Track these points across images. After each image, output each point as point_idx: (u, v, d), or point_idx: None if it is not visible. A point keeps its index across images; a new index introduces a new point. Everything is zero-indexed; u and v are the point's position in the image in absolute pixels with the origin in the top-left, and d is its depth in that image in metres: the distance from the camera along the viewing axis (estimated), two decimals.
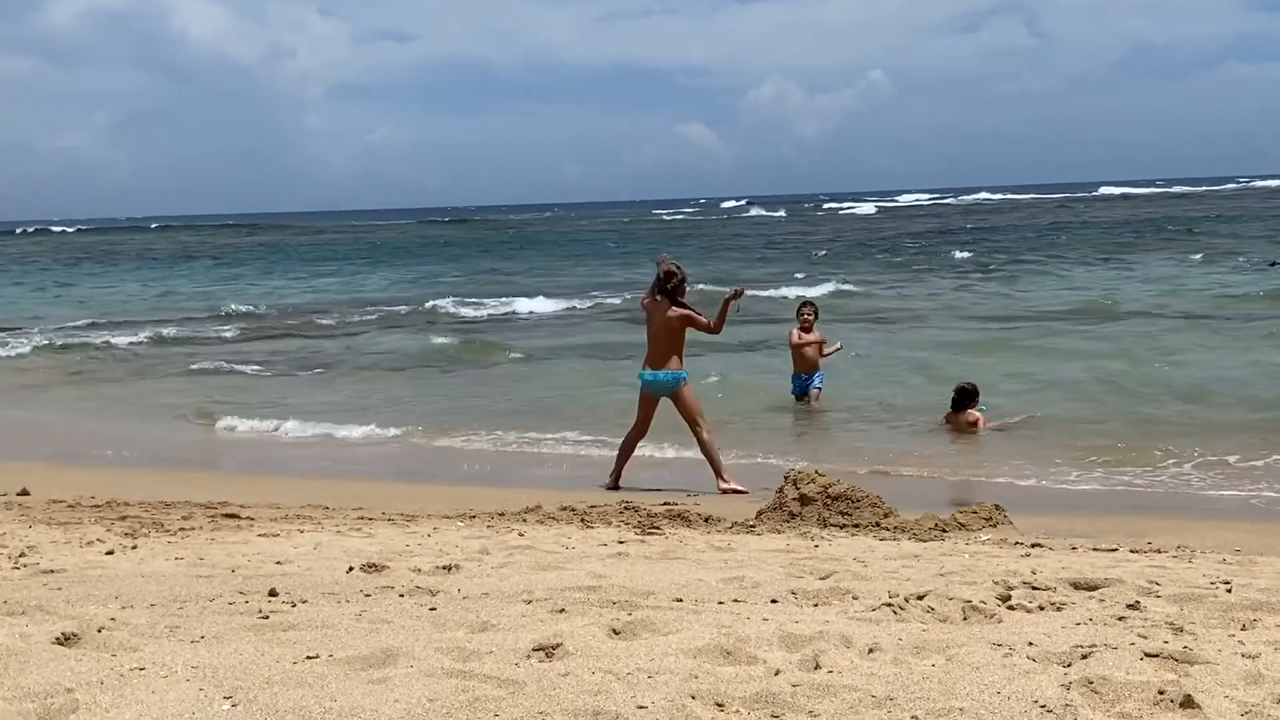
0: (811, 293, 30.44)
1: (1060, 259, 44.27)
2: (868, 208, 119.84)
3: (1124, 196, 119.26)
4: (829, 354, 16.94)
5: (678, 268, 12.26)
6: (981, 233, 65.55)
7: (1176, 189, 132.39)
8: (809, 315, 16.91)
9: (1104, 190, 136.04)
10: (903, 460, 13.09)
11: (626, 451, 12.33)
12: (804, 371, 16.75)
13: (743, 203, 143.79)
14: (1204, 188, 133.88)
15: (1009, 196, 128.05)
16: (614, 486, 12.01)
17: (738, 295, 12.24)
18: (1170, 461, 12.47)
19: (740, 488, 11.66)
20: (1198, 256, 40.68)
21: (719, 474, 11.90)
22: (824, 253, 54.31)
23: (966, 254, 48.13)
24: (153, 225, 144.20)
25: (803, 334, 16.77)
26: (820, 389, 16.68)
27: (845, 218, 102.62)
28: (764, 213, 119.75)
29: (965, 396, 14.69)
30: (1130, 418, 14.98)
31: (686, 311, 12.16)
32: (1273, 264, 36.17)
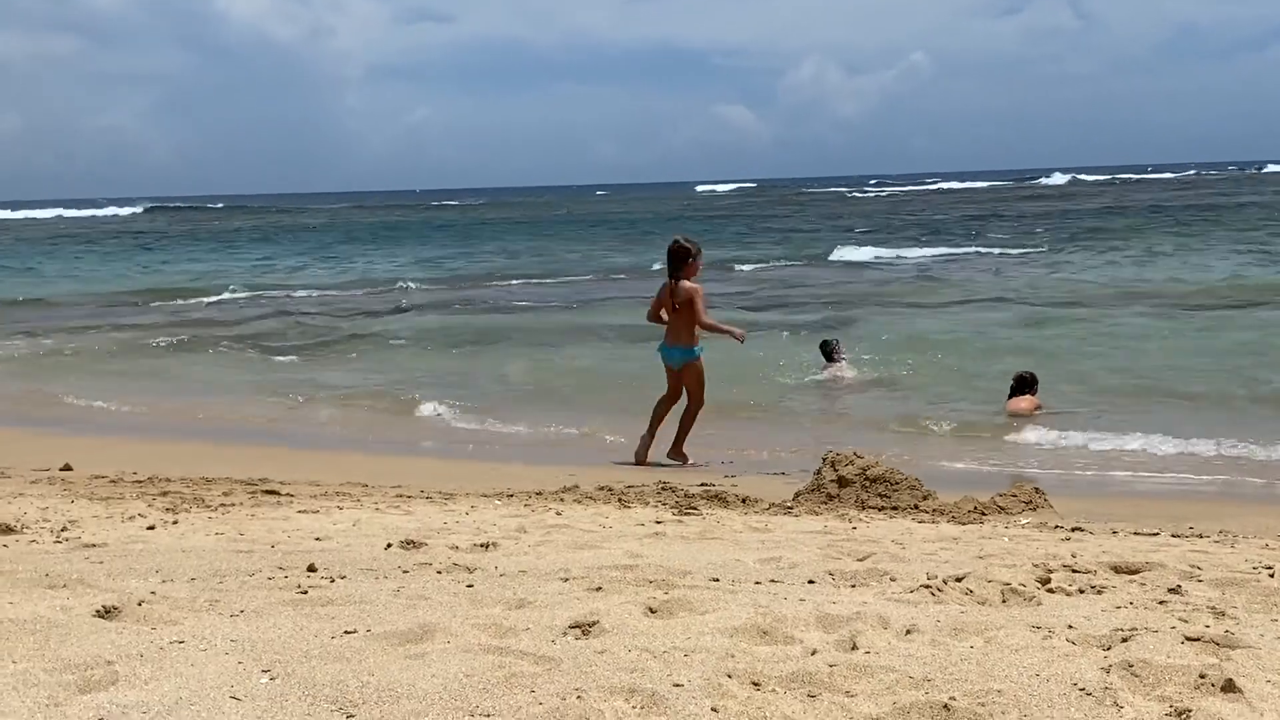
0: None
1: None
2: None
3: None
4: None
5: (690, 244, 12.44)
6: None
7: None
8: (842, 350, 17.23)
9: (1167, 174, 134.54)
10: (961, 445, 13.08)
11: (658, 417, 12.61)
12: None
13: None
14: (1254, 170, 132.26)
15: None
16: (646, 450, 12.27)
17: (739, 339, 12.75)
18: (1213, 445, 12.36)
19: (689, 460, 12.25)
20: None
21: (678, 444, 12.41)
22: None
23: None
24: (218, 204, 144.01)
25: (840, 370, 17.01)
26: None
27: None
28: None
29: (1023, 384, 14.76)
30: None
31: (692, 292, 12.36)
32: None
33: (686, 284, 12.37)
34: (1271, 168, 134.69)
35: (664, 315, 12.61)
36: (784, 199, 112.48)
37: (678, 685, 4.17)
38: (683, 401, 12.64)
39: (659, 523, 8.43)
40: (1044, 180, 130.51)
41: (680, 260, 12.38)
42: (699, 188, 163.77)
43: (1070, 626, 4.83)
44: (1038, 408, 14.56)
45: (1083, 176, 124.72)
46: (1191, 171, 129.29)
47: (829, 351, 17.37)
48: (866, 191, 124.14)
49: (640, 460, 12.26)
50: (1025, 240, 47.20)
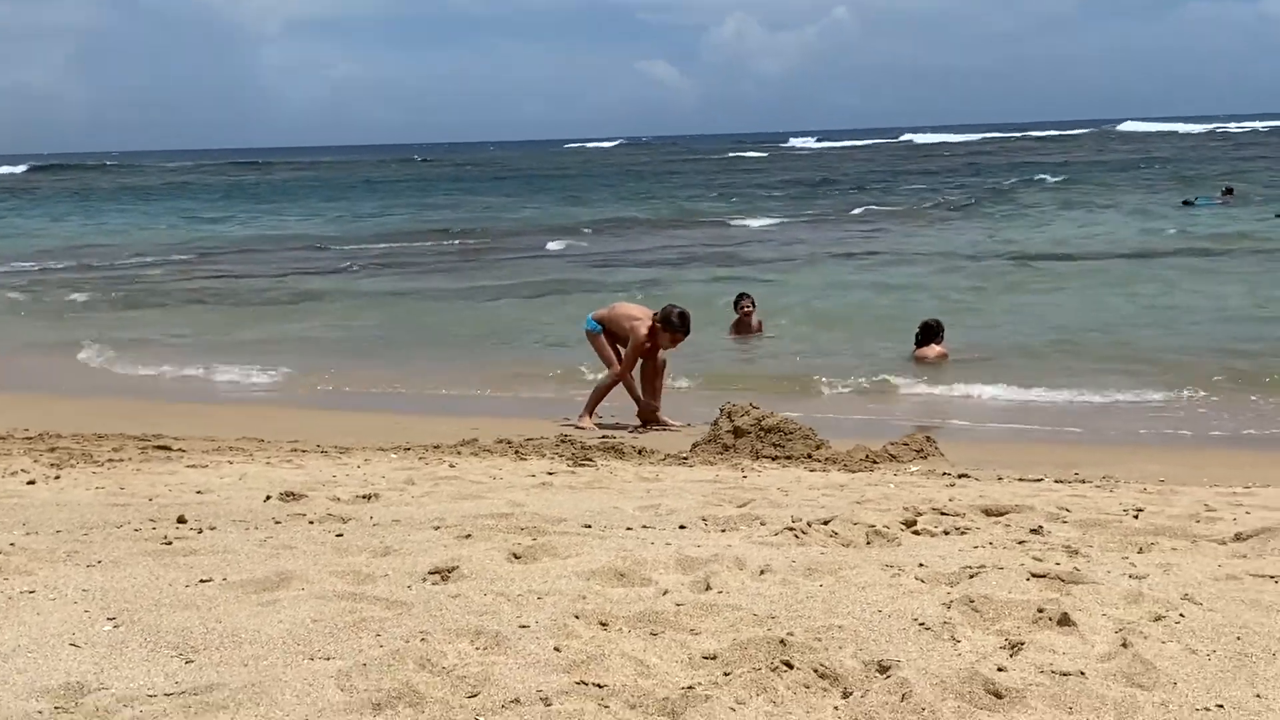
0: None
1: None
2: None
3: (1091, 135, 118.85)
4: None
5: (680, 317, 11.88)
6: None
7: (1145, 127, 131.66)
8: (748, 306, 16.95)
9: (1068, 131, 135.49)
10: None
11: (632, 384, 12.05)
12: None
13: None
14: (1165, 126, 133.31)
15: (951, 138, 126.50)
16: (649, 411, 11.86)
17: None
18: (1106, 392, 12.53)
19: (588, 427, 11.63)
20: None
21: (589, 409, 11.90)
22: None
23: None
24: (113, 162, 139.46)
25: (741, 329, 16.82)
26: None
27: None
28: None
29: (930, 332, 14.79)
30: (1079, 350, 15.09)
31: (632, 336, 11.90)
32: (1185, 203, 37.25)
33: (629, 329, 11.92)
34: (1129, 125, 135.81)
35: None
36: (663, 156, 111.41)
37: (524, 626, 4.18)
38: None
39: (550, 474, 8.44)
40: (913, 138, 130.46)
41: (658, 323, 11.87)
42: (569, 145, 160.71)
43: (921, 565, 4.89)
44: (943, 355, 14.65)
45: (951, 138, 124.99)
46: (1053, 132, 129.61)
47: (739, 304, 17.33)
48: (783, 148, 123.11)
49: (649, 418, 11.88)
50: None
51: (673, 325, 11.74)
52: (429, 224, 41.97)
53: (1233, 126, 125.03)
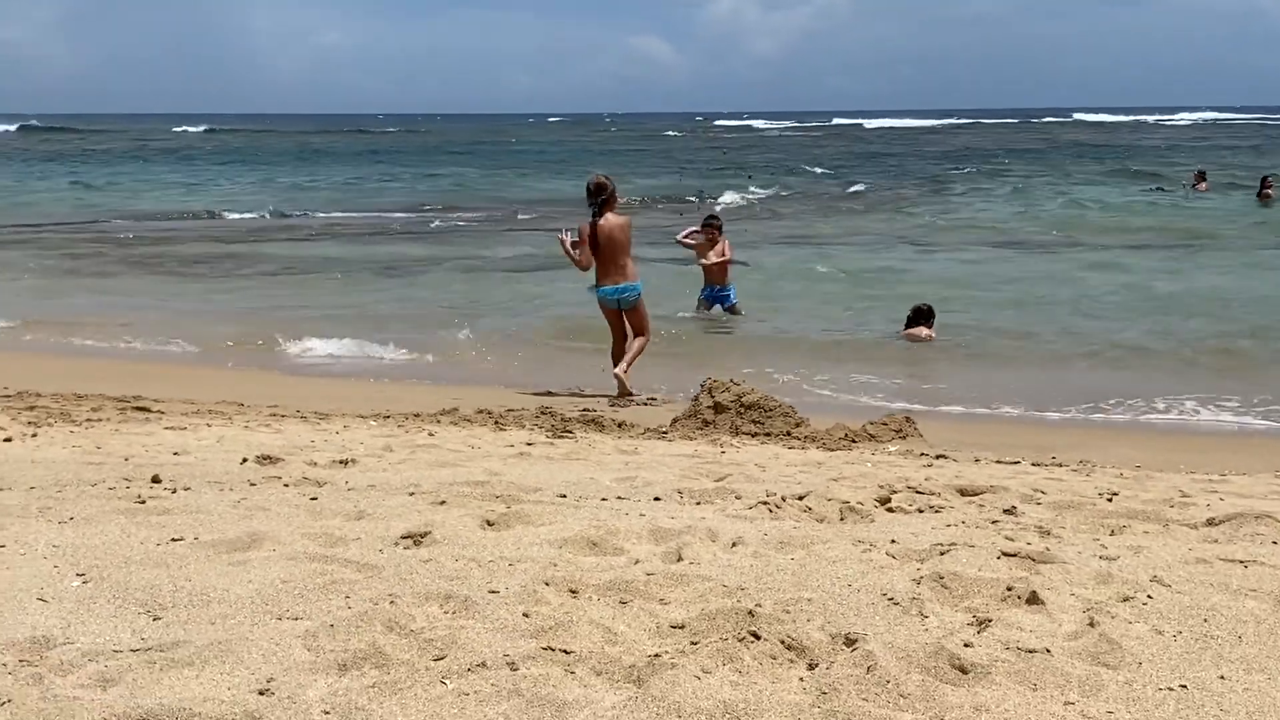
0: None
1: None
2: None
3: (1075, 123, 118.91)
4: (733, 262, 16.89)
5: (608, 179, 12.17)
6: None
7: (1132, 117, 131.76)
8: (715, 227, 16.83)
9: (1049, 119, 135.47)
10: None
11: (617, 360, 12.11)
12: (716, 283, 16.72)
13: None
14: (1155, 117, 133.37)
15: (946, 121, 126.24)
16: (626, 393, 11.80)
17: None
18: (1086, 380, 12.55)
19: (630, 388, 11.73)
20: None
21: (626, 365, 11.94)
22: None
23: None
24: (102, 124, 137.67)
25: (701, 250, 16.72)
26: (735, 303, 16.67)
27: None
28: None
29: (920, 315, 14.84)
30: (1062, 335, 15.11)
31: (628, 218, 12.20)
32: (1157, 189, 38.18)
33: (614, 218, 12.05)
34: (1080, 115, 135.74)
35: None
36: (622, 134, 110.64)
37: (494, 592, 4.18)
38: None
39: (529, 444, 8.43)
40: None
41: (600, 194, 12.01)
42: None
43: (893, 541, 4.90)
44: (930, 339, 14.69)
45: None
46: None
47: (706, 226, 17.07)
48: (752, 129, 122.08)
49: (625, 393, 11.82)
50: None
51: (588, 193, 12.10)
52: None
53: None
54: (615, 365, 12.01)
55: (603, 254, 12.06)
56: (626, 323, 12.24)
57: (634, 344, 12.14)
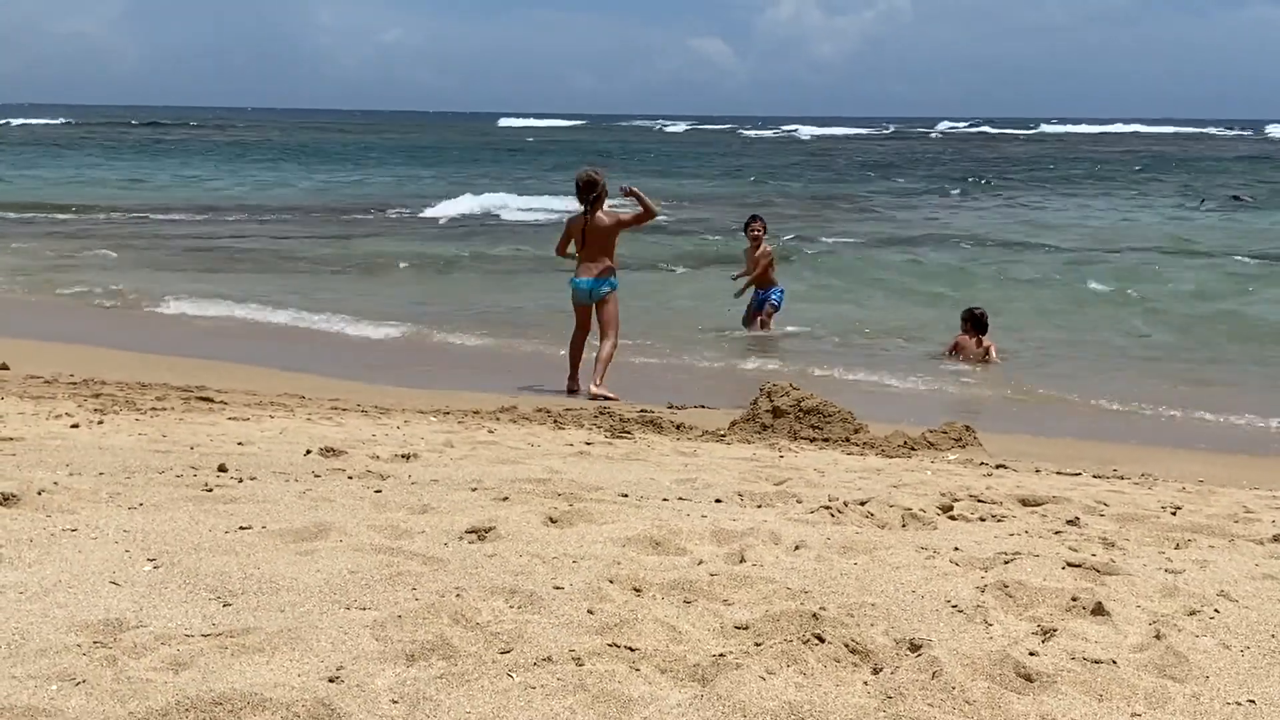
0: None
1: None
2: None
3: (1134, 134, 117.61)
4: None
5: (598, 173, 12.17)
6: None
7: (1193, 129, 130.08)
8: (758, 229, 16.69)
9: (1117, 127, 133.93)
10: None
11: (577, 353, 12.28)
12: (760, 286, 16.56)
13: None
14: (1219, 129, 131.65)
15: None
16: (575, 389, 11.91)
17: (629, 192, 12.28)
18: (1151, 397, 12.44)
19: (611, 395, 11.62)
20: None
21: (599, 378, 11.85)
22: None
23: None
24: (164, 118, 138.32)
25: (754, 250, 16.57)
26: (778, 305, 16.50)
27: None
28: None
29: (977, 322, 14.58)
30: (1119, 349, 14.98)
31: (618, 216, 12.19)
32: (1202, 202, 37.74)
33: (605, 216, 12.05)
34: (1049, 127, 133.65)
35: (571, 249, 12.29)
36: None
37: (559, 588, 4.21)
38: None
39: (588, 444, 8.46)
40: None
41: (591, 190, 12.01)
42: (502, 121, 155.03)
43: (956, 549, 4.89)
44: (987, 348, 14.54)
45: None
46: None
47: (749, 227, 16.94)
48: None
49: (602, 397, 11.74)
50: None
51: (578, 189, 12.12)
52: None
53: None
54: (574, 367, 12.11)
55: (588, 248, 12.11)
56: (594, 318, 12.22)
57: (603, 350, 12.04)
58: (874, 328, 16.58)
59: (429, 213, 33.67)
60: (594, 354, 12.11)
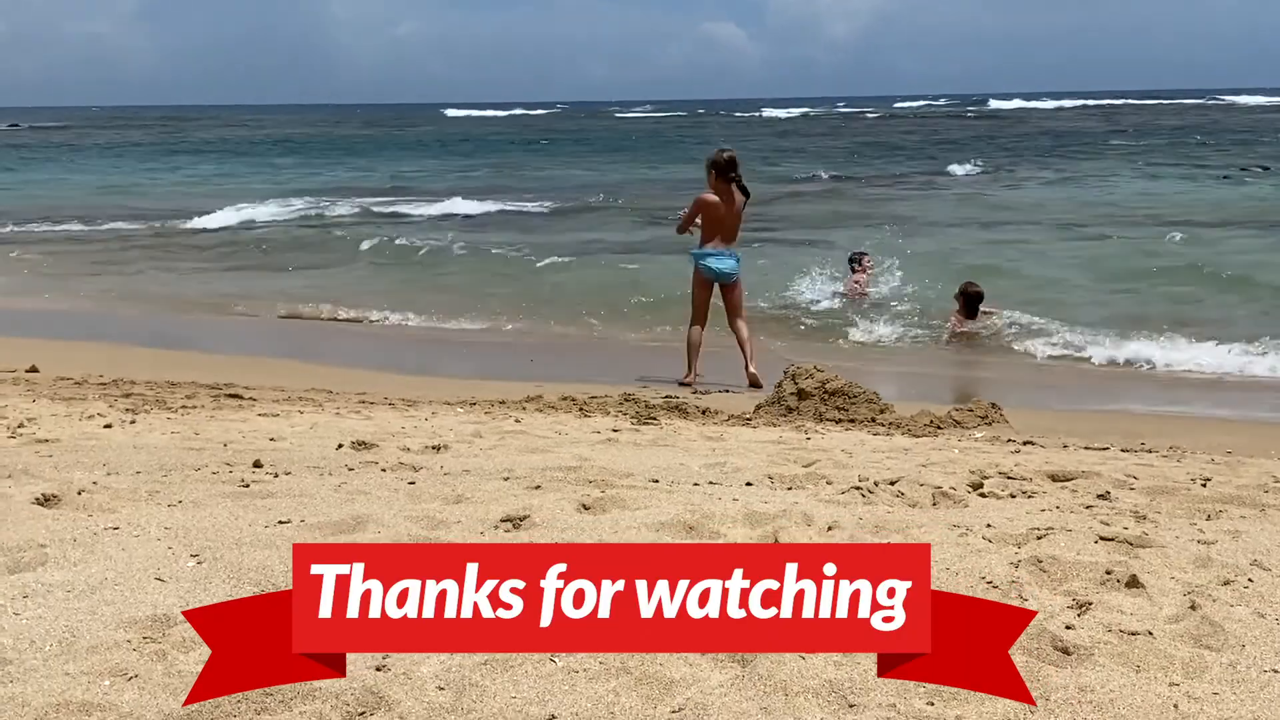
0: None
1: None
2: None
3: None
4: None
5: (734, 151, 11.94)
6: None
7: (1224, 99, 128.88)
8: (870, 265, 16.66)
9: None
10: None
11: (700, 343, 11.88)
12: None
13: None
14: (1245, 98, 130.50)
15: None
16: (689, 382, 11.67)
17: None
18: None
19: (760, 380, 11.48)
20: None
21: (755, 362, 11.74)
22: None
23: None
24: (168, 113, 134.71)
25: (860, 284, 16.47)
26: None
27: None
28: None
29: (969, 300, 14.55)
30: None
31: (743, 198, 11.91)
32: (1225, 176, 36.91)
33: (742, 197, 11.80)
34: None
35: (695, 226, 11.91)
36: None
37: None
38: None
39: (615, 430, 8.51)
40: None
41: (735, 168, 11.68)
42: (448, 111, 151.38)
43: (989, 526, 4.93)
44: (989, 315, 14.46)
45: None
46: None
47: (855, 261, 16.99)
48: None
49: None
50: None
51: (719, 166, 11.68)
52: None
53: None
54: (698, 358, 11.80)
55: (728, 229, 11.80)
56: (725, 300, 11.95)
57: (745, 331, 11.83)
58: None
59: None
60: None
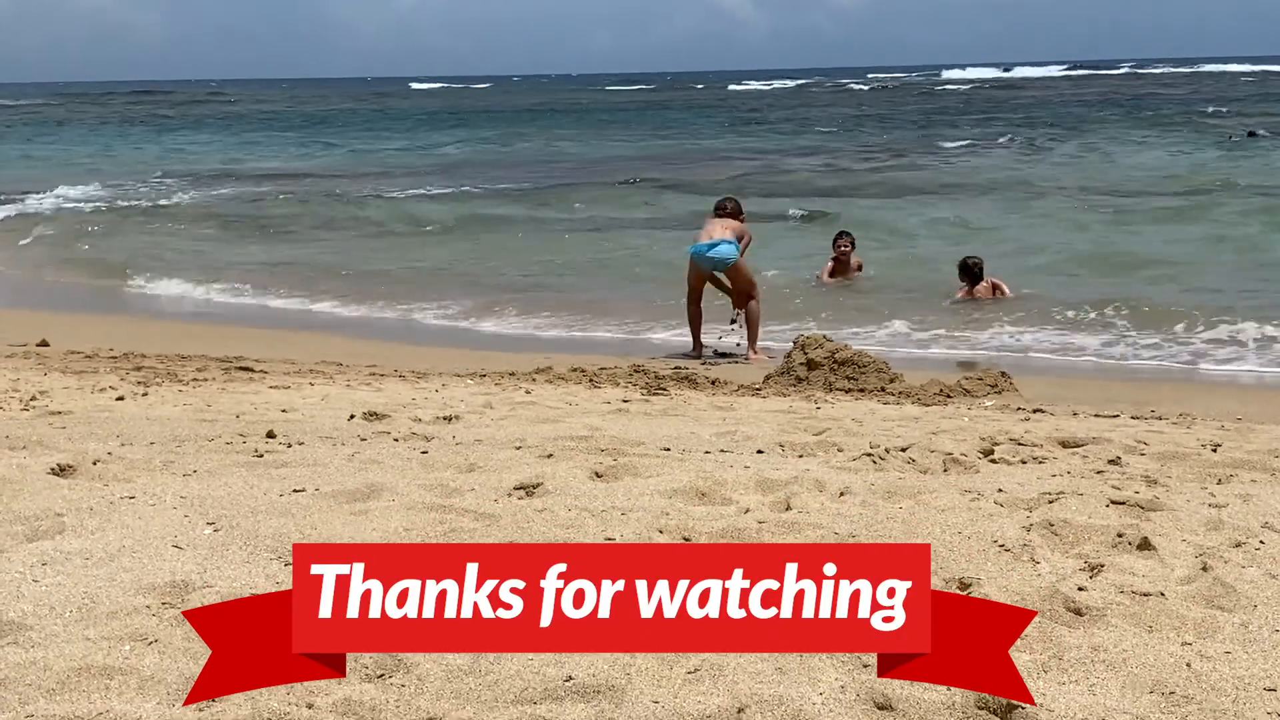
0: None
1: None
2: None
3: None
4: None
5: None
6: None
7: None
8: (845, 246, 16.32)
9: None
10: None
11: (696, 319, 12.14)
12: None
13: None
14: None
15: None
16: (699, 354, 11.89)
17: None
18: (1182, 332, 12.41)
19: (769, 356, 11.55)
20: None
21: (754, 342, 11.86)
22: None
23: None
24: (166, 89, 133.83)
25: (834, 271, 16.19)
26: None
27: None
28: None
29: (970, 272, 14.45)
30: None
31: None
32: (1250, 134, 36.77)
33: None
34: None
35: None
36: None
37: (609, 539, 4.28)
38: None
39: (626, 401, 8.53)
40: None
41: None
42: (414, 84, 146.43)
43: (1000, 490, 4.95)
44: (995, 286, 14.37)
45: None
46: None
47: (837, 243, 16.71)
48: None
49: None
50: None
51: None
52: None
53: None
54: (694, 327, 12.01)
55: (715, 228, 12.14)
56: (719, 286, 12.07)
57: (748, 312, 11.98)
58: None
59: None
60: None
